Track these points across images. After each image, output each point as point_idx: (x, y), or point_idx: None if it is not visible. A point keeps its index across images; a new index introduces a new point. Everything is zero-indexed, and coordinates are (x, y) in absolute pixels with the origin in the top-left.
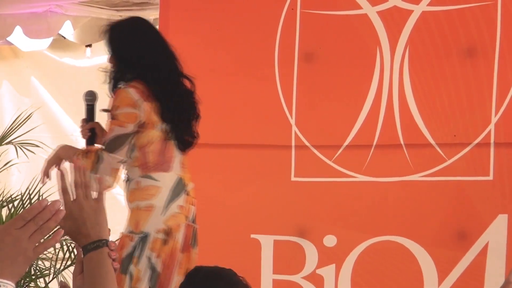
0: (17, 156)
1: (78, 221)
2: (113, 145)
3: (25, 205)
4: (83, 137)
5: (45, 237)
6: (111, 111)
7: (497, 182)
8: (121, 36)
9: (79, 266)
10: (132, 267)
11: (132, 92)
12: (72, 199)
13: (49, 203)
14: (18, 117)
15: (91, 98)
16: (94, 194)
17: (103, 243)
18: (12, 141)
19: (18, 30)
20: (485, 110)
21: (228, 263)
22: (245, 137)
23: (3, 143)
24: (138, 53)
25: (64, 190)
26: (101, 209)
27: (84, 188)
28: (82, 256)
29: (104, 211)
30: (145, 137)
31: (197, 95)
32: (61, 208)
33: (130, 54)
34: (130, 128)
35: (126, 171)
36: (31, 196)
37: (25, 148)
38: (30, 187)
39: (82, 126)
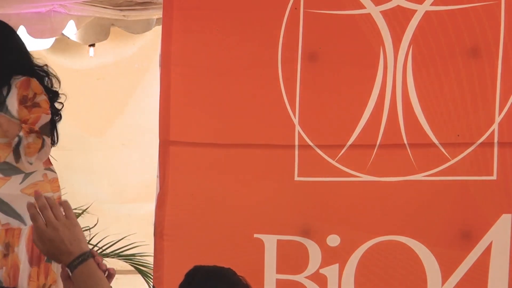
0: None
1: (56, 242)
2: (47, 131)
3: None
4: None
5: None
6: (31, 99)
7: (500, 182)
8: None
9: (66, 283)
10: None
11: (37, 82)
12: (44, 224)
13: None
14: None
15: None
16: (62, 212)
17: (87, 255)
18: None
19: (22, 29)
20: (489, 110)
21: (231, 262)
22: (248, 136)
23: None
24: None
25: (34, 218)
26: (74, 224)
27: (52, 209)
28: (70, 273)
29: (78, 225)
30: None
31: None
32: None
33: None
34: (50, 115)
35: (15, 163)
36: None
37: None
38: None
39: None
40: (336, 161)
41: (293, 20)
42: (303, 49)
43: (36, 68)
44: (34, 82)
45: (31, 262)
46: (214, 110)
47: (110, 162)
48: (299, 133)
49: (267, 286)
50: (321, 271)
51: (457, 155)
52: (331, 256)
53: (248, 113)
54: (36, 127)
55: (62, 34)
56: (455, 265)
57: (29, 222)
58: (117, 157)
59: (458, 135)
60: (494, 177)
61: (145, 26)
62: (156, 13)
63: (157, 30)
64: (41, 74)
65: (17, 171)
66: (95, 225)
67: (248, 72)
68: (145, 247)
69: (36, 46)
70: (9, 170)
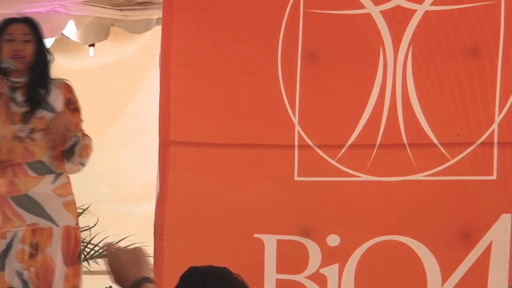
0: None
1: (117, 268)
2: None
3: None
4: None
5: None
6: (74, 103)
7: (500, 182)
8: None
9: None
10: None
11: None
12: (112, 252)
13: None
14: None
15: (14, 64)
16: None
17: (144, 280)
18: None
19: None
20: (489, 110)
21: (231, 262)
22: (248, 136)
23: None
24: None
25: (108, 247)
26: (136, 252)
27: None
28: None
29: (141, 254)
30: None
31: None
32: None
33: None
34: None
35: (49, 163)
36: None
37: None
38: None
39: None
40: (336, 161)
41: (293, 20)
42: (303, 49)
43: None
44: (73, 88)
45: (66, 263)
46: (214, 110)
47: (110, 162)
48: (299, 133)
49: (267, 286)
50: (321, 271)
51: (457, 155)
52: (331, 256)
53: (248, 113)
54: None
55: (62, 34)
56: (455, 265)
57: (61, 223)
58: (116, 157)
59: (458, 135)
60: (494, 177)
61: (145, 26)
62: (156, 13)
63: (157, 30)
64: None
65: (50, 170)
66: (95, 225)
67: (248, 72)
68: (145, 247)
69: None
70: (42, 169)
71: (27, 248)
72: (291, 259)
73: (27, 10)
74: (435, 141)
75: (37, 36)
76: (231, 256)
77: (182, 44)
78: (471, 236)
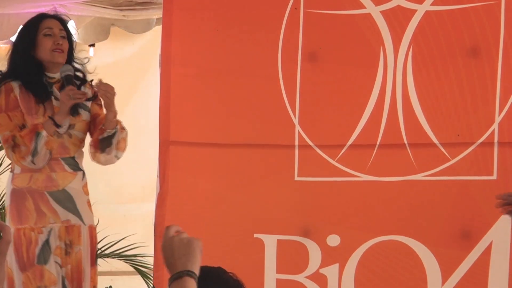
0: None
1: (168, 254)
2: None
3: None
4: (76, 100)
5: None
6: (98, 98)
7: (500, 182)
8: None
9: None
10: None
11: None
12: (170, 237)
13: None
14: None
15: (70, 68)
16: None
17: (184, 273)
18: None
19: None
20: (489, 110)
21: (231, 262)
22: (249, 136)
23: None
24: None
25: (166, 230)
26: (190, 243)
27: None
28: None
29: (195, 245)
30: None
31: None
32: None
33: None
34: None
35: (78, 160)
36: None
37: None
38: None
39: (73, 89)
40: (336, 161)
41: (293, 20)
42: (303, 49)
43: None
44: None
45: (92, 263)
46: (214, 110)
47: None
48: (299, 133)
49: (267, 286)
50: (321, 271)
51: (457, 155)
52: (331, 256)
53: (248, 113)
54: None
55: None
56: (455, 265)
57: (88, 222)
58: None
59: (458, 135)
60: (494, 177)
61: (145, 26)
62: (156, 13)
63: (157, 30)
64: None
65: (78, 167)
66: (96, 225)
67: (248, 72)
68: (145, 247)
69: None
70: (75, 165)
71: (63, 245)
72: (291, 259)
73: (27, 10)
74: (435, 141)
75: (69, 34)
76: (231, 256)
77: (182, 44)
78: (471, 236)
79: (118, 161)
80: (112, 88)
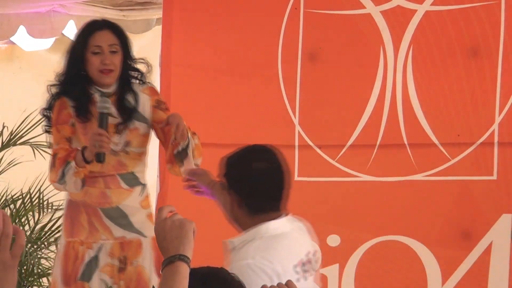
0: (35, 157)
1: (160, 237)
2: None
3: (26, 205)
4: (101, 149)
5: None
6: (164, 103)
7: (501, 182)
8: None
9: None
10: None
11: None
12: (162, 219)
13: None
14: (26, 117)
15: (107, 105)
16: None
17: (176, 257)
18: (29, 141)
19: (22, 29)
20: (489, 110)
21: None
22: (249, 136)
23: (18, 143)
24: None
25: (159, 212)
26: (183, 225)
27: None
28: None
29: (188, 228)
30: None
31: None
32: None
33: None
34: None
35: (138, 174)
36: (32, 196)
37: (41, 149)
38: (31, 187)
39: (102, 136)
40: (336, 161)
41: (293, 20)
42: (303, 49)
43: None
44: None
45: (158, 273)
46: (214, 110)
47: None
48: (299, 133)
49: None
50: (321, 271)
51: (458, 155)
52: (331, 256)
53: (248, 113)
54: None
55: (62, 34)
56: (455, 265)
57: (150, 234)
58: None
59: (458, 135)
60: (494, 177)
61: (145, 26)
62: (156, 13)
63: (157, 30)
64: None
65: (138, 182)
66: None
67: (248, 72)
68: None
69: (36, 46)
70: (133, 180)
71: (116, 262)
72: None
73: (27, 10)
74: (436, 141)
75: (123, 44)
76: None
77: (182, 44)
78: (471, 236)
79: None
80: (180, 118)
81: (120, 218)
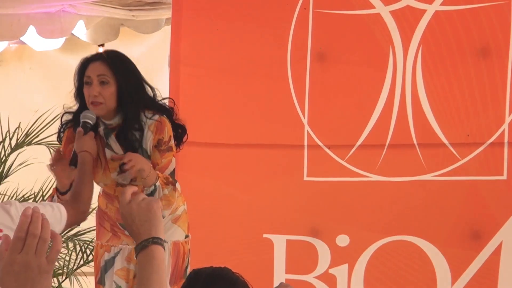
0: (51, 156)
1: (129, 221)
2: (173, 176)
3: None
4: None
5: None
6: (166, 143)
7: (511, 182)
8: (131, 69)
9: None
10: (188, 270)
11: (169, 124)
12: (126, 203)
13: (31, 211)
14: (39, 117)
15: (93, 117)
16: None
17: (149, 241)
18: (42, 141)
19: (31, 30)
20: (499, 110)
21: (241, 262)
22: (258, 136)
23: (33, 143)
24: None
25: (122, 196)
26: (150, 207)
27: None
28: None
29: (155, 208)
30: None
31: None
32: (39, 210)
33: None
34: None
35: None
36: (44, 196)
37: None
38: (43, 187)
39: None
40: (345, 161)
41: (302, 20)
42: (312, 49)
43: (161, 104)
44: (169, 124)
45: (171, 281)
46: (223, 110)
47: None
48: (308, 133)
49: (276, 286)
50: (330, 271)
51: (467, 155)
52: (341, 256)
53: (257, 113)
54: (168, 175)
55: (72, 34)
56: (465, 265)
57: (170, 239)
58: None
59: (468, 135)
60: (504, 177)
61: (155, 26)
62: (165, 13)
63: (167, 30)
64: (168, 108)
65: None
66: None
67: (257, 72)
68: None
69: (46, 46)
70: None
71: (132, 267)
72: (301, 259)
73: (37, 10)
74: (445, 141)
75: (116, 74)
76: (241, 256)
77: (191, 44)
78: (481, 236)
79: None
80: (135, 160)
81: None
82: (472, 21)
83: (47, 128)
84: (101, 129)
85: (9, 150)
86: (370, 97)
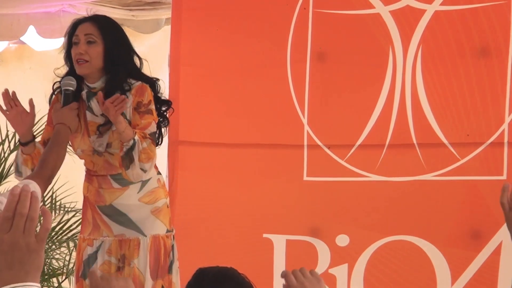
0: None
1: None
2: (154, 138)
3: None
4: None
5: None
6: (145, 105)
7: (510, 182)
8: (119, 34)
9: None
10: (175, 264)
11: (150, 89)
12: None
13: (20, 190)
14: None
15: (73, 83)
16: None
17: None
18: None
19: (31, 29)
20: (499, 110)
21: (240, 262)
22: (258, 136)
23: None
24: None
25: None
26: (318, 280)
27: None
28: None
29: (322, 281)
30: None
31: None
32: (28, 189)
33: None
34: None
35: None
36: (44, 197)
37: None
38: None
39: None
40: (345, 161)
41: (302, 20)
42: (312, 49)
43: (145, 75)
44: (149, 90)
45: (153, 276)
46: (223, 110)
47: None
48: (308, 133)
49: (276, 286)
50: (330, 271)
51: (467, 155)
52: (340, 256)
53: (257, 113)
54: (147, 133)
55: None
56: (464, 265)
57: (149, 233)
58: None
59: (468, 135)
60: (504, 177)
61: (154, 26)
62: (165, 13)
63: (166, 30)
64: (152, 80)
65: (131, 181)
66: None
67: (257, 72)
68: None
69: (46, 46)
70: (124, 180)
71: (114, 260)
72: (300, 259)
73: (37, 10)
74: (445, 141)
75: (104, 35)
76: (240, 256)
77: (191, 44)
78: (480, 236)
79: None
80: (118, 99)
81: (116, 215)
82: (472, 21)
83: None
84: (84, 92)
85: (9, 151)
86: (370, 97)
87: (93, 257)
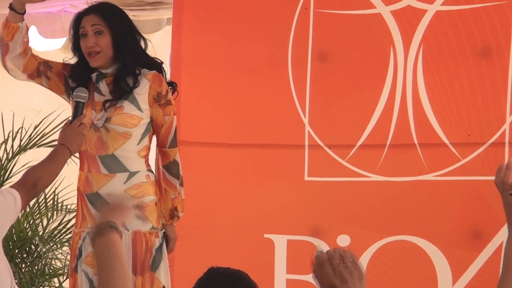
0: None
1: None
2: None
3: (40, 204)
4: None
5: None
6: (164, 96)
7: None
8: (124, 21)
9: None
10: (164, 264)
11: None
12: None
13: None
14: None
15: (84, 95)
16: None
17: (105, 225)
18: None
19: (33, 30)
20: (500, 110)
21: (242, 263)
22: (259, 136)
23: (36, 145)
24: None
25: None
26: (362, 274)
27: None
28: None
29: (364, 275)
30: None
31: None
32: None
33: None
34: None
35: (122, 160)
36: (47, 198)
37: None
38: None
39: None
40: (346, 161)
41: (303, 20)
42: (313, 49)
43: (156, 59)
44: (164, 79)
45: (134, 271)
46: (224, 110)
47: None
48: (309, 133)
49: (277, 286)
50: None
51: (468, 155)
52: None
53: (258, 113)
54: (173, 148)
55: None
56: (465, 265)
57: (131, 227)
58: None
59: (469, 135)
60: None
61: (156, 26)
62: (166, 13)
63: (168, 30)
64: (158, 63)
65: (123, 168)
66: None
67: (258, 72)
68: None
69: (47, 46)
70: (115, 165)
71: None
72: (302, 259)
73: (38, 10)
74: (446, 141)
75: (110, 25)
76: (241, 256)
77: (192, 44)
78: (482, 236)
79: None
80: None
81: (102, 204)
82: (473, 21)
83: (55, 132)
84: (94, 74)
85: (11, 153)
86: (371, 97)
87: (80, 249)
